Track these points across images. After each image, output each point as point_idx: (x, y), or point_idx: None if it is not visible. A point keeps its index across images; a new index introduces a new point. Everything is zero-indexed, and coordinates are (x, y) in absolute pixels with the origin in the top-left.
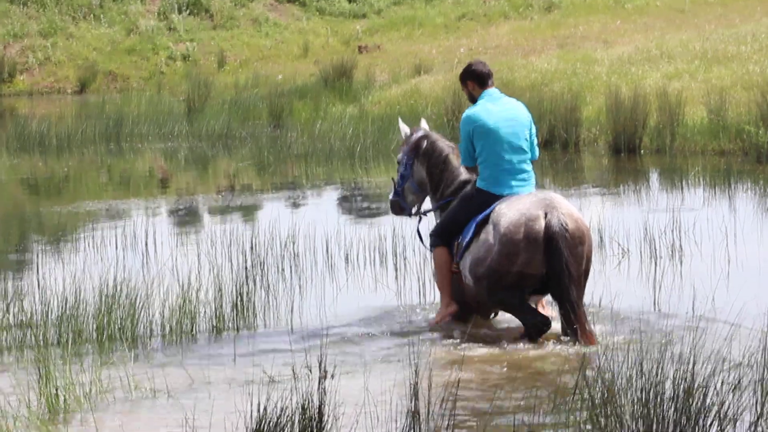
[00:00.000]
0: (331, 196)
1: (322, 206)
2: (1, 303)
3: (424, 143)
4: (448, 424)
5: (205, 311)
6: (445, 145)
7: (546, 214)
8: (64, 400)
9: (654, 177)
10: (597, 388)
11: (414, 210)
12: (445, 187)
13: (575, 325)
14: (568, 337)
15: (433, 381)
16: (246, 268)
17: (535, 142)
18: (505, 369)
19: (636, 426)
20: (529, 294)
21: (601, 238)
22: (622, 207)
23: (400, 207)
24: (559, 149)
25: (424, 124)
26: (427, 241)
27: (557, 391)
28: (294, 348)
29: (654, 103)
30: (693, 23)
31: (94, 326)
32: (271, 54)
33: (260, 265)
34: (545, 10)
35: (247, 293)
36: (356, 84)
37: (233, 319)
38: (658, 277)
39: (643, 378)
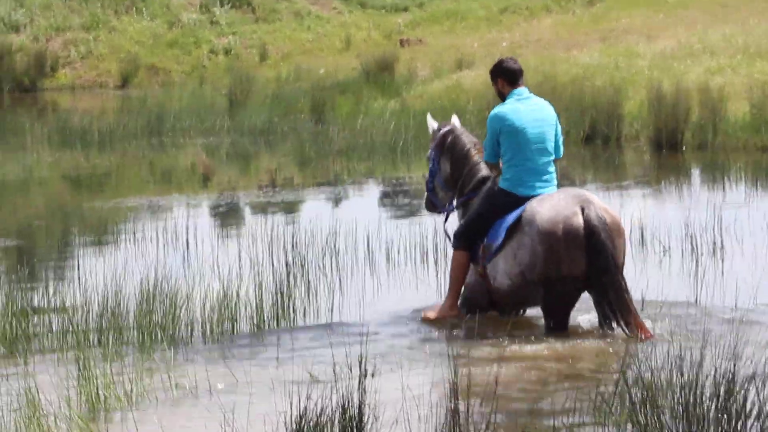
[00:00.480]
0: (372, 192)
1: (364, 202)
2: (43, 299)
3: (449, 138)
4: (488, 423)
5: (245, 309)
6: (468, 140)
7: (583, 210)
8: (105, 398)
9: (696, 173)
10: (637, 388)
11: (446, 207)
12: (466, 183)
13: (629, 317)
14: (608, 334)
15: (473, 380)
16: (287, 264)
17: (561, 140)
18: (545, 367)
19: (676, 426)
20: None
21: (642, 234)
22: (663, 203)
23: (432, 204)
24: (601, 144)
25: (455, 119)
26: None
27: (597, 390)
28: (334, 346)
29: (696, 98)
30: (735, 17)
31: (135, 324)
32: (313, 47)
33: (301, 262)
34: (587, 4)
35: (288, 290)
36: (398, 78)
37: (274, 317)
38: (699, 274)
39: (684, 377)
